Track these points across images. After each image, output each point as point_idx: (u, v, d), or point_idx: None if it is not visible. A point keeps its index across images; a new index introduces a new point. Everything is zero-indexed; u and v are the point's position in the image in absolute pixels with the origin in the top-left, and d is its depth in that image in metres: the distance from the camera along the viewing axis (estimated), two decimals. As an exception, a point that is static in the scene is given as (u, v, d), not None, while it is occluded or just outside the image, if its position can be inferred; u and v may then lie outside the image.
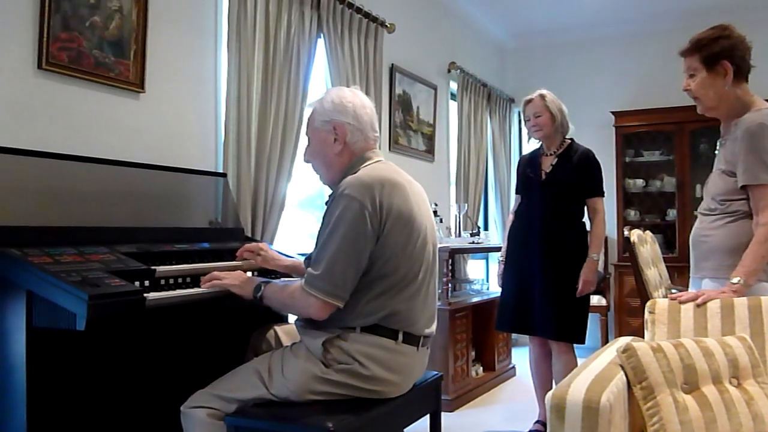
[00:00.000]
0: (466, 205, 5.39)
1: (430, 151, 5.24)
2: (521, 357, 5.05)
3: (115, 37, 2.62)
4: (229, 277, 2.16)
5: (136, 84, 2.71)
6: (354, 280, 1.99)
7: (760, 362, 1.97)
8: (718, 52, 2.35)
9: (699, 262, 2.48)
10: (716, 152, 2.54)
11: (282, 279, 2.43)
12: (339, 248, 1.96)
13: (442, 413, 2.50)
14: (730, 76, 2.35)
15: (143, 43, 2.73)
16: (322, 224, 2.05)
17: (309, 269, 2.02)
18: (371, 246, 1.99)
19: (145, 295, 1.87)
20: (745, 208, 2.32)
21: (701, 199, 2.57)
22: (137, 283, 1.96)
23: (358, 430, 1.95)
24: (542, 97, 3.50)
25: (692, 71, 2.40)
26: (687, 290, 2.44)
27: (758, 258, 2.23)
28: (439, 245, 4.09)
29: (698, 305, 2.19)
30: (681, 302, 2.22)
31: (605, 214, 3.52)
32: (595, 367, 1.89)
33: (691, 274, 2.55)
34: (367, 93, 4.08)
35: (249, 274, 2.34)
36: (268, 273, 2.54)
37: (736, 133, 2.35)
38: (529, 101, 3.54)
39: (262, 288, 2.11)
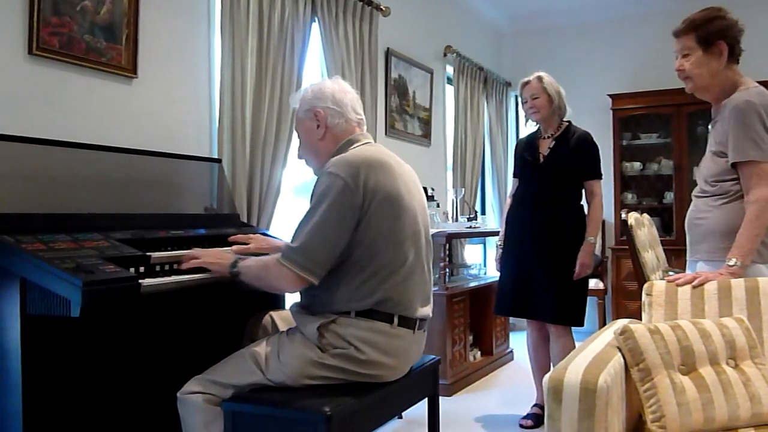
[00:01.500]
0: (463, 189, 5.37)
1: (426, 135, 5.22)
2: (519, 341, 5.05)
3: (106, 21, 2.59)
4: (207, 255, 2.15)
5: (129, 69, 2.69)
6: (331, 258, 1.99)
7: (757, 343, 1.98)
8: (715, 32, 2.35)
9: (694, 245, 2.49)
10: (708, 134, 2.53)
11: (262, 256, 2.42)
12: (318, 224, 1.96)
13: (440, 397, 2.50)
14: (725, 57, 2.35)
15: (135, 28, 2.70)
16: (308, 202, 2.05)
17: (287, 243, 2.03)
18: (352, 224, 1.99)
19: (140, 281, 1.86)
20: (737, 188, 2.33)
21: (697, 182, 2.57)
22: (132, 270, 1.95)
23: (355, 415, 1.96)
24: (539, 79, 3.48)
25: (687, 51, 2.40)
26: (684, 273, 2.44)
27: (751, 237, 2.23)
28: (436, 230, 4.11)
29: (694, 287, 2.19)
30: (678, 285, 2.22)
31: (603, 197, 3.51)
32: (593, 349, 1.89)
33: (687, 257, 2.55)
34: (362, 77, 4.08)
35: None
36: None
37: (724, 112, 2.34)
38: (527, 83, 3.52)
39: (238, 263, 2.10)
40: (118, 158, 2.46)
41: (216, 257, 2.15)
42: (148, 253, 2.05)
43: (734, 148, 2.28)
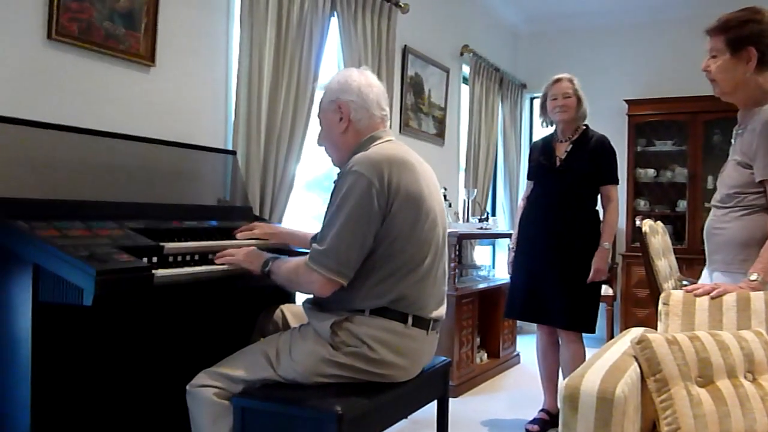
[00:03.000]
0: (475, 190, 5.34)
1: (440, 134, 5.19)
2: (526, 344, 5.03)
3: (126, 9, 2.57)
4: (240, 253, 2.16)
5: (147, 57, 2.67)
6: (359, 258, 1.97)
7: (776, 357, 1.94)
8: (746, 36, 2.26)
9: (711, 254, 2.44)
10: (732, 141, 2.48)
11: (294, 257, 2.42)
12: (345, 225, 1.94)
13: (448, 399, 2.48)
14: (753, 63, 2.27)
15: (155, 16, 2.68)
16: (330, 201, 2.03)
17: (314, 245, 2.00)
18: (377, 224, 1.96)
19: (153, 271, 1.84)
20: (761, 201, 2.27)
21: (713, 190, 2.52)
22: (145, 260, 1.93)
23: (365, 414, 1.94)
24: (572, 80, 3.46)
25: (715, 52, 2.31)
26: (697, 282, 2.40)
27: None
28: (448, 230, 4.08)
29: (713, 298, 2.15)
30: (696, 295, 2.18)
31: (619, 203, 3.48)
32: (609, 357, 1.86)
33: (706, 267, 2.51)
34: (379, 74, 4.05)
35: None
36: (281, 253, 2.51)
37: (753, 124, 2.29)
38: (558, 80, 3.48)
39: (270, 263, 2.10)
40: (133, 147, 2.44)
41: (249, 255, 2.16)
42: (161, 244, 2.04)
43: (763, 165, 2.22)
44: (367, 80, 2.17)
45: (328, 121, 2.19)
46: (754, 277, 2.17)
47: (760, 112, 2.27)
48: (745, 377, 1.87)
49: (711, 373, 1.84)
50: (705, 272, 2.52)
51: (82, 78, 2.46)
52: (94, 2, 2.45)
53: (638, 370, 1.83)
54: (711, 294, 2.16)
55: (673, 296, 2.21)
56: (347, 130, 2.15)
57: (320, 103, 2.24)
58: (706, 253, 2.48)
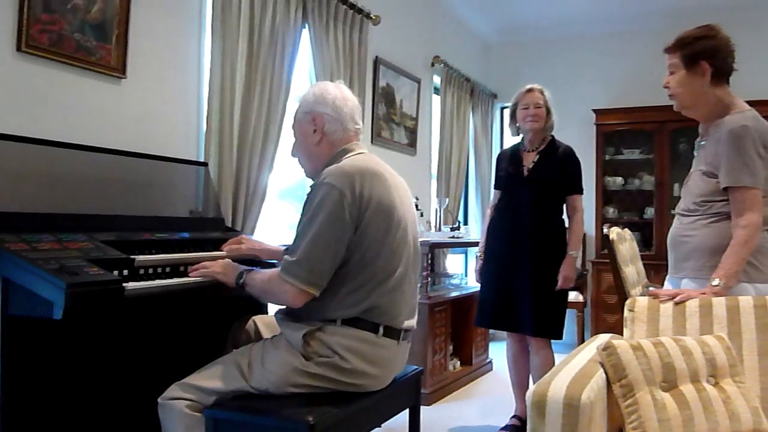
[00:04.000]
0: (447, 199, 5.39)
1: (412, 144, 5.23)
2: (498, 352, 5.07)
3: (97, 20, 2.57)
4: (215, 265, 2.16)
5: (118, 69, 2.67)
6: (331, 269, 1.99)
7: (737, 361, 2.00)
8: (699, 52, 2.36)
9: (679, 262, 2.49)
10: (695, 152, 2.55)
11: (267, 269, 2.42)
12: (317, 236, 1.96)
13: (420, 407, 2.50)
14: (708, 78, 2.36)
15: (126, 28, 2.68)
16: (302, 212, 2.05)
17: (286, 256, 2.02)
18: (350, 235, 1.99)
19: (123, 284, 1.84)
20: (727, 209, 2.34)
21: (679, 198, 2.58)
22: (116, 272, 1.93)
23: (338, 424, 1.95)
24: (542, 91, 3.53)
25: (673, 68, 2.42)
26: (661, 288, 2.46)
27: (739, 260, 2.24)
28: (419, 239, 4.11)
29: (677, 303, 2.21)
30: (661, 300, 2.24)
31: (584, 212, 3.54)
32: (576, 364, 1.90)
33: (669, 274, 2.57)
34: (350, 85, 4.08)
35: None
36: (254, 264, 2.52)
37: (717, 134, 2.36)
38: (531, 90, 3.54)
39: (244, 275, 2.11)
40: (104, 159, 2.43)
41: (223, 267, 2.16)
42: (132, 256, 2.03)
43: (727, 172, 2.29)
44: (342, 94, 2.21)
45: (303, 133, 2.22)
46: (716, 282, 2.23)
47: (722, 123, 2.35)
48: (708, 381, 1.92)
49: (675, 377, 1.88)
50: (668, 280, 2.58)
51: (53, 90, 2.45)
52: (65, 14, 2.44)
53: (604, 376, 1.87)
54: (675, 299, 2.22)
55: (638, 303, 2.26)
56: (321, 142, 2.18)
57: (295, 114, 2.27)
58: (671, 260, 2.54)
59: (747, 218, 2.25)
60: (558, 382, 1.72)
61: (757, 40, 5.60)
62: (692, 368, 1.91)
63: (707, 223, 2.38)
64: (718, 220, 2.36)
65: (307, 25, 3.72)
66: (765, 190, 2.32)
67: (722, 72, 2.38)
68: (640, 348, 1.90)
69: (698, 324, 2.15)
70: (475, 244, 4.92)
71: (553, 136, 3.58)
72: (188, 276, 2.15)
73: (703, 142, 2.47)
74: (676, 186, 5.66)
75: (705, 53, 2.36)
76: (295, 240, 2.03)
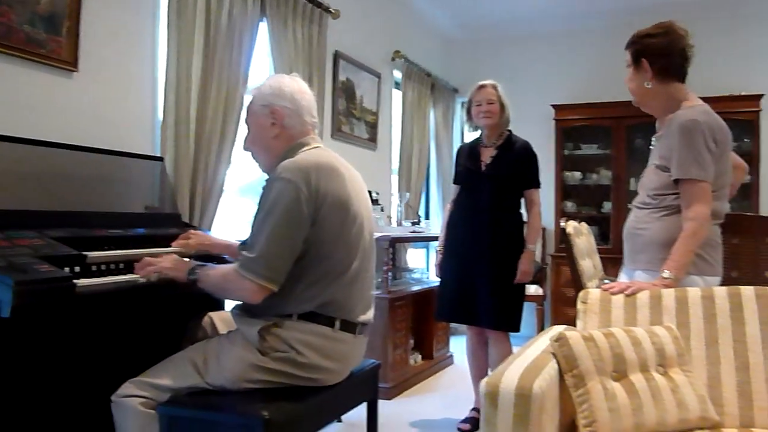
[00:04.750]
0: (408, 194, 5.41)
1: (372, 139, 5.24)
2: (459, 345, 5.11)
3: (47, 12, 2.51)
4: (163, 261, 2.12)
5: (69, 62, 2.62)
6: (289, 264, 1.98)
7: (685, 351, 2.05)
8: (641, 50, 2.44)
9: (634, 254, 2.54)
10: (651, 147, 2.60)
11: (220, 265, 2.40)
12: (274, 231, 1.95)
13: (381, 401, 2.52)
14: (649, 75, 2.42)
15: (77, 20, 2.62)
16: (258, 207, 2.04)
17: (244, 252, 2.00)
18: (306, 230, 1.99)
19: (75, 281, 1.81)
20: (678, 203, 2.38)
21: (636, 192, 2.64)
22: (67, 269, 1.89)
23: (294, 418, 1.95)
24: (495, 87, 3.55)
25: (627, 64, 2.49)
26: (619, 281, 2.51)
27: (687, 252, 2.30)
28: (380, 234, 4.13)
29: (628, 296, 2.25)
30: (612, 293, 2.28)
31: (541, 206, 3.59)
32: (529, 355, 1.92)
33: (624, 266, 2.62)
34: (310, 79, 4.06)
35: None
36: (205, 260, 2.50)
37: (669, 129, 2.41)
38: (483, 87, 3.57)
39: (197, 271, 2.07)
40: (56, 154, 2.38)
41: (172, 263, 2.11)
42: (84, 253, 2.00)
43: (677, 165, 2.35)
44: (299, 87, 2.20)
45: (259, 126, 2.19)
46: (666, 274, 2.29)
47: (674, 118, 2.40)
48: (657, 371, 1.97)
49: (625, 367, 1.93)
50: (623, 272, 2.63)
51: (1, 84, 2.39)
52: (14, 5, 2.39)
53: (557, 366, 1.91)
54: (626, 291, 2.26)
55: (591, 295, 2.30)
56: (279, 136, 2.17)
57: (249, 107, 2.24)
58: (626, 252, 2.59)
59: (695, 210, 2.30)
60: (510, 373, 1.74)
61: (717, 36, 5.73)
62: (642, 358, 1.95)
63: (659, 216, 2.43)
64: (670, 213, 2.41)
65: (265, 19, 3.69)
66: (715, 184, 2.37)
67: (667, 70, 2.42)
68: (591, 339, 1.93)
69: (648, 315, 2.20)
70: (437, 238, 4.96)
71: (510, 131, 3.62)
72: (123, 270, 2.11)
73: (658, 137, 2.52)
74: (632, 180, 5.76)
75: (646, 51, 2.43)
76: (251, 236, 2.01)
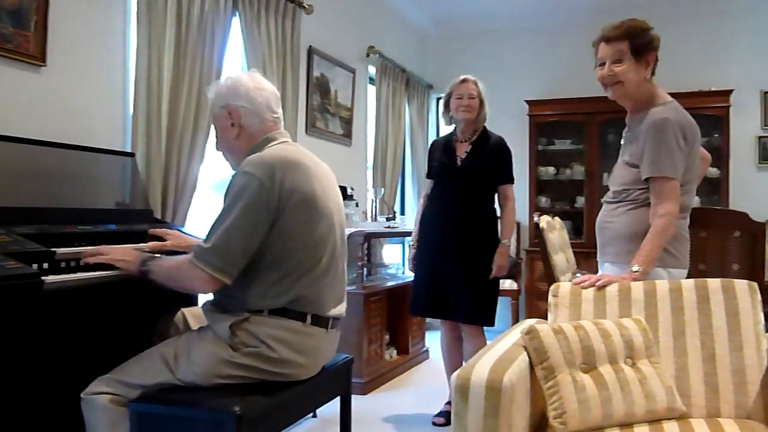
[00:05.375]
0: (383, 189, 5.41)
1: (347, 135, 5.23)
2: (435, 340, 5.13)
3: (13, 6, 2.47)
4: (114, 252, 2.08)
5: (37, 57, 2.58)
6: (244, 258, 1.97)
7: (653, 343, 2.08)
8: (648, 42, 2.43)
9: (603, 247, 2.59)
10: (621, 142, 2.64)
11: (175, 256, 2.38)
12: (232, 224, 1.95)
13: (355, 396, 2.53)
14: (651, 68, 2.45)
15: (45, 14, 2.59)
16: (223, 200, 2.03)
17: (199, 242, 2.00)
18: (267, 225, 1.98)
19: (43, 278, 1.79)
20: (644, 196, 2.43)
21: (608, 187, 2.67)
22: (35, 266, 1.87)
23: (266, 414, 1.95)
24: (476, 83, 3.57)
25: (619, 56, 2.42)
26: (594, 274, 2.54)
27: (656, 248, 2.33)
28: (354, 229, 4.13)
29: (598, 289, 2.28)
30: (583, 287, 2.31)
31: (515, 201, 3.61)
32: (500, 348, 1.94)
33: (597, 258, 2.66)
34: (283, 75, 4.05)
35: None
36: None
37: (641, 126, 2.44)
38: (465, 81, 3.57)
39: (149, 262, 2.05)
40: (24, 149, 2.35)
41: (123, 254, 2.08)
42: (53, 249, 1.98)
43: (649, 163, 2.37)
44: (255, 84, 2.18)
45: (221, 128, 2.20)
46: (635, 268, 2.32)
47: (646, 115, 2.42)
48: (626, 362, 2.00)
49: (594, 359, 1.95)
50: (598, 264, 2.67)
51: (-34, 78, 2.36)
52: (-22, -1, 2.35)
53: (527, 359, 1.93)
54: (596, 284, 2.29)
55: (561, 288, 2.33)
56: (239, 136, 2.16)
57: (211, 109, 2.23)
58: (598, 246, 2.63)
59: (665, 207, 2.34)
60: (481, 366, 1.76)
61: (687, 32, 5.83)
62: (611, 350, 1.98)
63: (625, 210, 2.47)
64: (636, 207, 2.45)
65: (237, 14, 3.67)
66: (683, 179, 2.41)
67: (655, 65, 2.46)
68: (561, 331, 1.96)
69: (618, 308, 2.23)
70: (411, 234, 4.98)
71: (485, 127, 3.63)
72: (111, 269, 2.08)
73: (629, 134, 2.55)
74: (605, 175, 5.81)
75: (651, 44, 2.43)
76: (211, 227, 2.00)
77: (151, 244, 2.35)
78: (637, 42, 2.42)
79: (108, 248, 2.10)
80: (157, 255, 2.13)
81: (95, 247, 2.09)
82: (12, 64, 2.50)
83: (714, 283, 2.20)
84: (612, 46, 2.44)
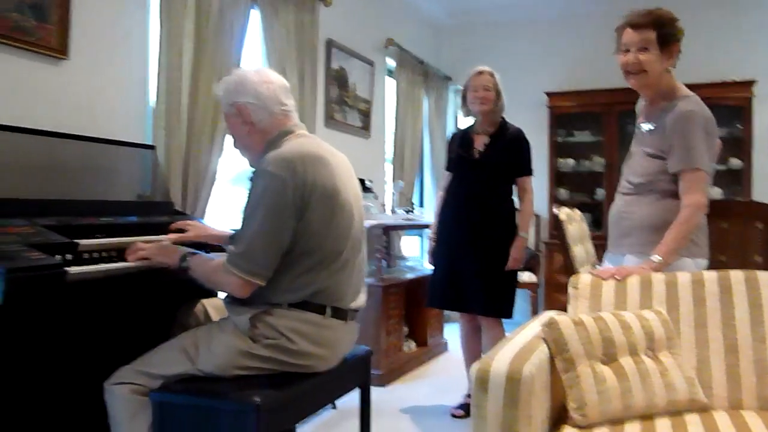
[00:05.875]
0: (402, 182, 5.41)
1: (366, 127, 5.23)
2: (453, 333, 5.13)
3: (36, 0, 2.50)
4: (154, 248, 2.11)
5: (59, 50, 2.60)
6: (276, 258, 1.98)
7: (674, 334, 2.07)
8: (674, 34, 2.40)
9: (619, 238, 2.56)
10: (636, 131, 2.60)
11: (213, 254, 2.40)
12: (261, 226, 1.95)
13: (374, 388, 2.53)
14: (674, 60, 2.42)
15: (67, 7, 2.61)
16: (246, 201, 2.03)
17: (230, 247, 2.00)
18: (293, 222, 1.97)
19: (66, 268, 1.81)
20: (669, 187, 2.40)
21: (627, 179, 2.64)
22: (58, 257, 1.89)
23: (285, 404, 1.96)
24: (492, 74, 3.54)
25: (646, 44, 2.38)
26: (601, 266, 2.52)
27: (679, 238, 2.32)
28: (374, 222, 4.14)
29: (618, 281, 2.27)
30: (603, 278, 2.29)
31: (533, 193, 3.59)
32: (519, 340, 1.94)
33: (608, 250, 2.63)
34: (302, 68, 4.06)
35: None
36: (200, 248, 2.50)
37: (666, 119, 2.41)
38: (481, 73, 3.55)
39: (188, 258, 2.07)
40: (46, 142, 2.38)
41: (164, 250, 2.11)
42: (75, 240, 2.00)
43: (680, 155, 2.35)
44: (261, 77, 2.14)
45: (232, 125, 2.18)
46: (656, 258, 2.30)
47: (671, 109, 2.40)
48: (646, 354, 1.99)
49: (614, 351, 1.94)
50: (607, 256, 2.64)
51: (-11, 71, 2.39)
52: (1, -7, 2.38)
53: (547, 351, 1.92)
54: (615, 276, 2.28)
55: (581, 280, 2.32)
56: (251, 133, 2.14)
57: (222, 106, 2.21)
58: (611, 237, 2.61)
59: (691, 198, 2.33)
60: (501, 358, 1.76)
61: (709, 22, 5.78)
62: (631, 342, 1.97)
63: (649, 201, 2.45)
64: (661, 198, 2.43)
65: (256, 6, 3.68)
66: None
67: (677, 57, 2.44)
68: (581, 323, 1.95)
69: (638, 299, 2.21)
70: (430, 226, 4.97)
71: (503, 119, 3.61)
72: (115, 258, 2.10)
73: (650, 126, 2.51)
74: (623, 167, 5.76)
75: (678, 35, 2.41)
76: (239, 230, 2.01)
77: (172, 236, 2.37)
78: (665, 32, 2.39)
79: (147, 245, 2.12)
80: (196, 252, 2.13)
81: (134, 244, 2.12)
82: (34, 57, 2.53)
83: (737, 275, 2.18)
84: (639, 33, 2.39)
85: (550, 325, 1.94)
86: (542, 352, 1.88)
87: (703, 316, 2.14)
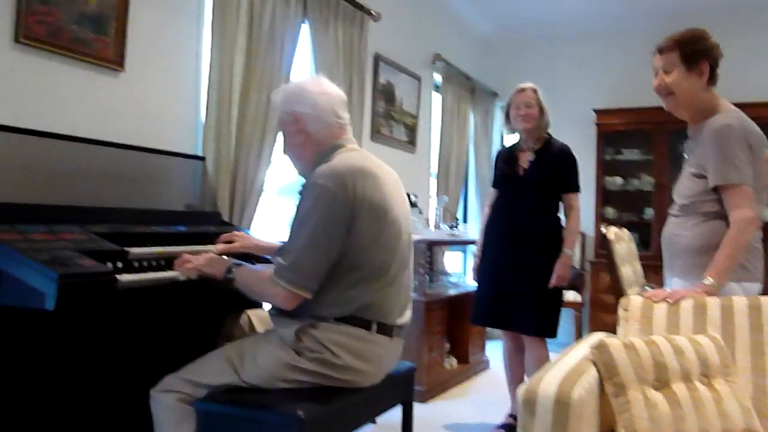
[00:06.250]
0: (446, 197, 5.39)
1: (412, 142, 5.23)
2: (495, 350, 5.07)
3: (95, 12, 2.56)
4: (200, 259, 2.13)
5: (115, 62, 2.67)
6: (323, 272, 1.97)
7: (730, 361, 1.99)
8: (699, 51, 2.38)
9: (671, 261, 2.51)
10: (684, 154, 2.56)
11: (259, 265, 2.41)
12: (309, 239, 1.94)
13: (415, 403, 2.50)
14: (706, 77, 2.38)
15: (124, 21, 2.68)
16: (295, 213, 2.03)
17: (278, 258, 2.00)
18: (342, 236, 1.96)
19: (116, 276, 1.84)
20: (715, 208, 2.35)
21: (675, 199, 2.59)
22: (109, 264, 1.92)
23: (328, 418, 1.95)
24: (535, 90, 3.51)
25: (670, 67, 2.40)
26: (661, 288, 2.46)
27: (728, 257, 2.25)
28: (417, 237, 4.12)
29: (671, 304, 2.20)
30: (654, 301, 2.23)
31: (580, 211, 3.53)
32: (568, 362, 1.89)
33: (664, 273, 2.57)
34: (350, 81, 4.08)
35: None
36: (246, 259, 2.52)
37: (703, 136, 2.36)
38: (523, 90, 3.52)
39: (234, 270, 2.08)
40: (100, 151, 2.43)
41: (211, 261, 2.13)
42: (126, 248, 2.03)
43: (714, 171, 2.30)
44: (320, 89, 2.15)
45: (287, 133, 2.19)
46: (707, 281, 2.24)
47: (708, 124, 2.36)
48: (700, 381, 1.92)
49: (667, 376, 1.88)
50: (665, 278, 2.58)
51: (49, 82, 2.45)
52: (62, 5, 2.44)
53: (596, 374, 1.87)
54: (668, 299, 2.22)
55: (632, 302, 2.26)
56: (306, 142, 2.14)
57: (278, 113, 2.21)
58: (665, 260, 2.55)
59: (735, 214, 2.27)
60: (549, 379, 1.72)
61: (757, 41, 5.61)
62: (684, 367, 1.91)
63: (695, 223, 2.39)
64: (706, 219, 2.37)
65: (306, 21, 3.72)
66: (755, 187, 2.32)
67: (713, 74, 2.40)
68: (632, 347, 1.90)
69: (692, 323, 2.14)
70: (474, 242, 4.94)
71: (549, 135, 3.57)
72: (165, 268, 2.12)
73: (692, 144, 2.48)
74: (674, 187, 5.64)
75: (704, 53, 2.38)
76: (288, 242, 2.01)
77: (219, 246, 2.39)
78: (688, 50, 2.37)
79: (194, 256, 2.14)
80: (242, 263, 2.14)
81: (182, 256, 2.14)
82: (92, 69, 2.60)
83: (796, 301, 2.10)
84: (663, 56, 2.42)
85: (600, 347, 1.89)
86: (591, 375, 1.83)
87: (760, 342, 2.06)
